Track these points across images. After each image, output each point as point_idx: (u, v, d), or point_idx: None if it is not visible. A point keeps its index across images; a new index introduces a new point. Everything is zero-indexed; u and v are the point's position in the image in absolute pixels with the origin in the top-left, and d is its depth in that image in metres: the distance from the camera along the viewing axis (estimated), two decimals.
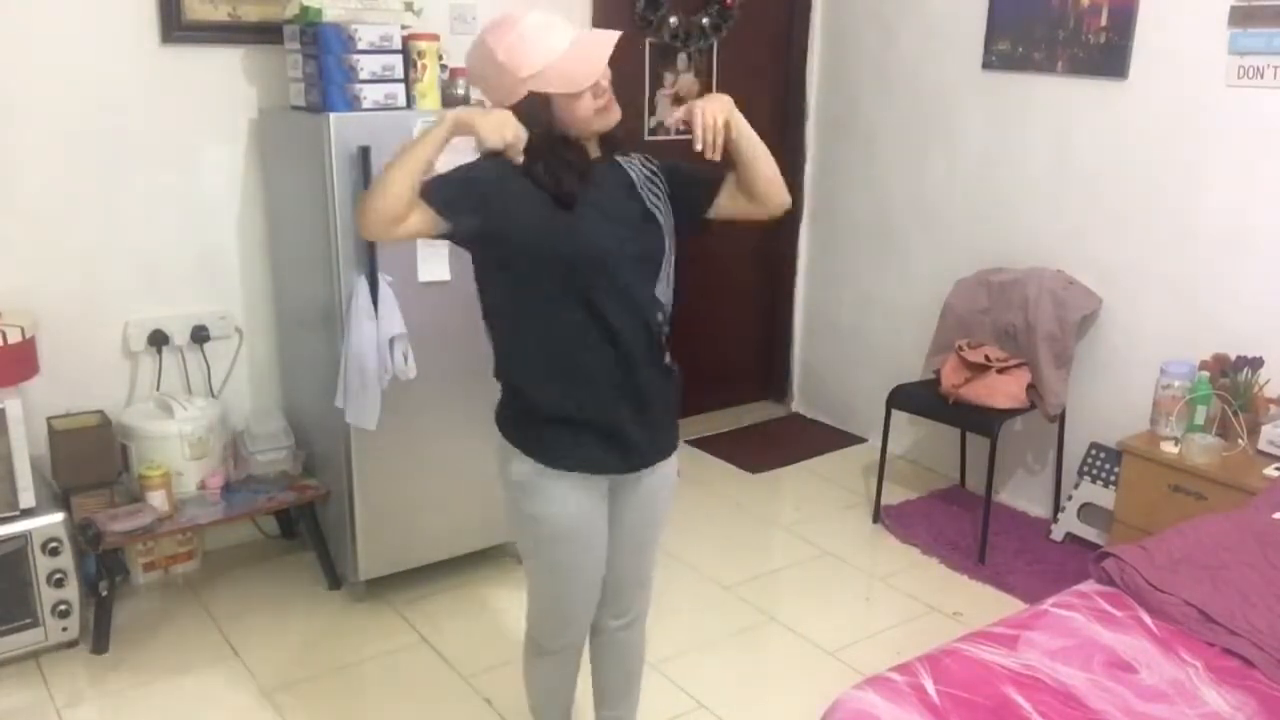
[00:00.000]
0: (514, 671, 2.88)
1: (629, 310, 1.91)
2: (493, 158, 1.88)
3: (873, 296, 4.45)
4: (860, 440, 4.54)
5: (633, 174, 1.99)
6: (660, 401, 2.00)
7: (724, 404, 4.84)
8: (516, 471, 1.98)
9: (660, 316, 1.97)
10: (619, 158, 2.00)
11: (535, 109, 1.87)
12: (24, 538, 2.76)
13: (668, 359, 2.02)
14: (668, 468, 2.10)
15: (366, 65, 2.87)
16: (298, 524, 3.47)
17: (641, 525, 2.12)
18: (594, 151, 1.94)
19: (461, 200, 1.84)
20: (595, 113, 1.89)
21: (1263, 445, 3.06)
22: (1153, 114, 3.37)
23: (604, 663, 2.32)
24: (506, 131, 1.81)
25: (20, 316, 2.84)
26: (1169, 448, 3.13)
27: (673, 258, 1.99)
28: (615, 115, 1.92)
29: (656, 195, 1.98)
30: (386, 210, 1.78)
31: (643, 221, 1.95)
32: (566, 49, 1.85)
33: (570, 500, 1.97)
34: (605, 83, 1.88)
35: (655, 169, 2.03)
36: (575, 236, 1.86)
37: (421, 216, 1.81)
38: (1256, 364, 3.13)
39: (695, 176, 2.04)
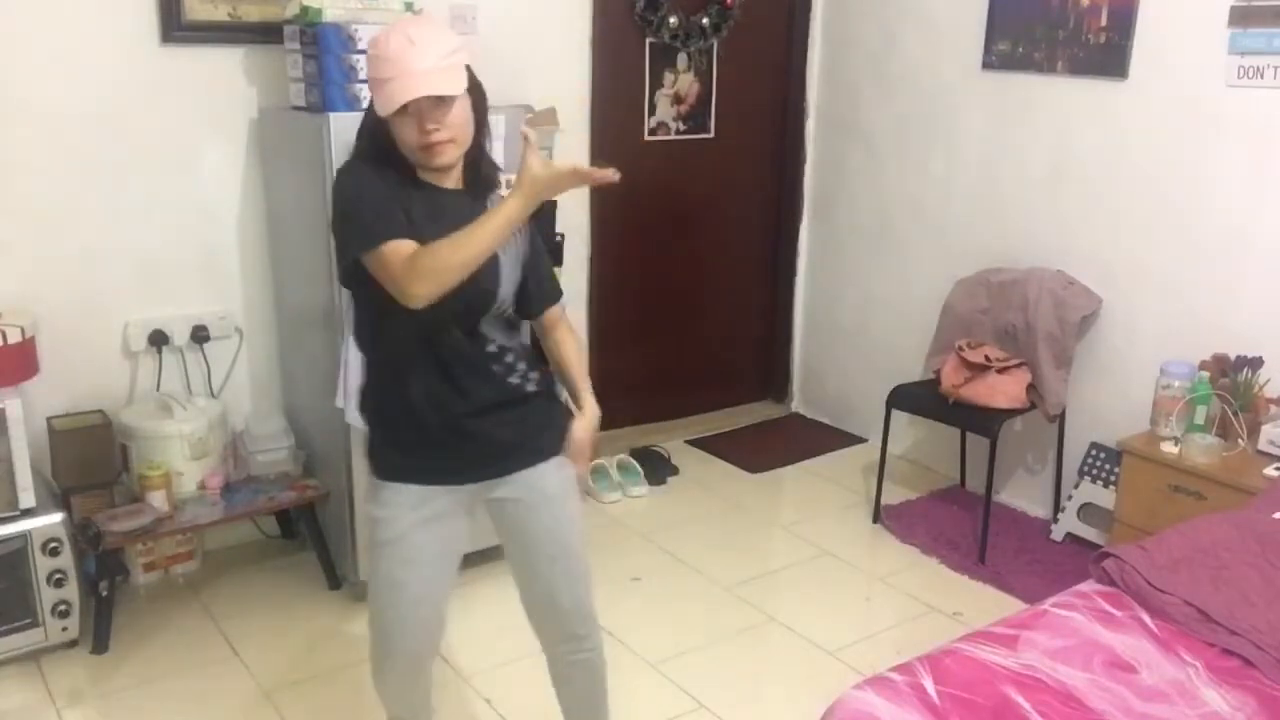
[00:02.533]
0: (514, 671, 2.89)
1: (453, 336, 1.90)
2: (356, 169, 1.89)
3: (873, 296, 4.45)
4: (860, 440, 4.54)
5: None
6: (491, 419, 1.95)
7: (724, 404, 4.84)
8: (368, 477, 2.03)
9: (493, 348, 1.95)
10: (491, 196, 1.95)
11: (369, 114, 1.88)
12: (24, 538, 2.76)
13: (516, 379, 1.98)
14: (539, 480, 2.02)
15: (366, 65, 2.86)
16: (298, 524, 3.47)
17: (535, 544, 2.06)
18: (451, 183, 1.91)
19: (401, 224, 1.82)
20: (419, 147, 1.82)
21: (1263, 445, 3.06)
22: (1153, 114, 3.37)
23: (561, 692, 2.26)
24: (564, 181, 1.77)
25: (20, 316, 2.84)
26: (1169, 448, 3.13)
27: (508, 302, 1.95)
28: (441, 160, 1.84)
29: (512, 242, 1.92)
30: (450, 285, 1.76)
31: (490, 263, 1.84)
32: (394, 70, 1.78)
33: (394, 507, 1.97)
34: (433, 124, 1.79)
35: (525, 226, 1.95)
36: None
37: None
38: (1256, 364, 3.13)
39: (539, 286, 2.02)
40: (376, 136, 1.88)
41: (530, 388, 2.00)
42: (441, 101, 1.80)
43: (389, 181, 1.86)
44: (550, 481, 2.04)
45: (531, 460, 2.01)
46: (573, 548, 2.09)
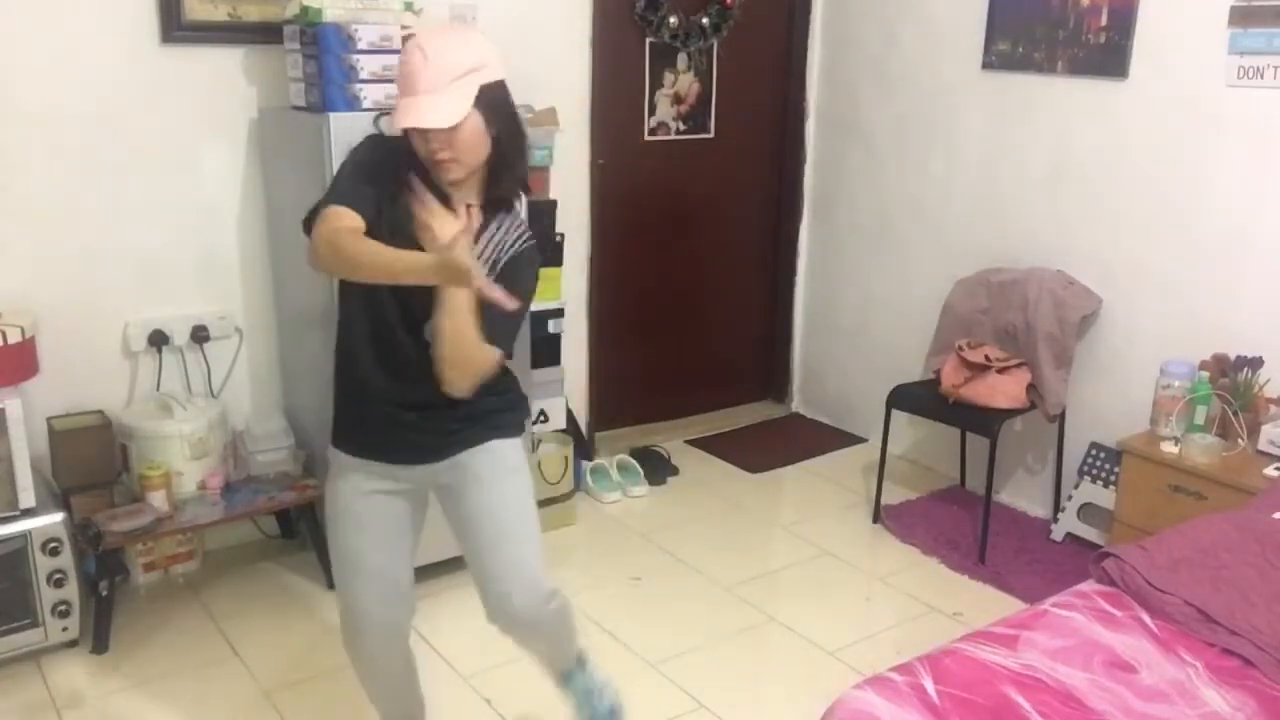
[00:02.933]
0: (514, 671, 2.89)
1: (400, 332, 1.93)
2: (376, 144, 1.95)
3: (873, 296, 4.45)
4: (860, 440, 4.54)
5: (493, 229, 1.94)
6: (426, 419, 1.99)
7: (724, 404, 4.84)
8: (329, 454, 2.11)
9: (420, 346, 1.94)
10: (499, 216, 1.95)
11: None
12: (24, 538, 2.76)
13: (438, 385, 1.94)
14: (464, 462, 2.03)
15: (366, 65, 2.87)
16: (298, 524, 3.47)
17: (468, 528, 2.07)
18: (465, 196, 1.90)
19: (370, 204, 1.86)
20: (427, 162, 1.86)
21: (1263, 445, 3.06)
22: (1153, 114, 3.37)
23: (528, 646, 2.27)
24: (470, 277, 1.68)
25: (20, 316, 2.84)
26: (1169, 448, 3.13)
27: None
28: (447, 177, 1.87)
29: (488, 255, 1.92)
30: (339, 273, 1.85)
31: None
32: (403, 86, 1.84)
33: (343, 479, 2.06)
34: (437, 145, 1.82)
35: (514, 244, 1.94)
36: (379, 232, 1.86)
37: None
38: (1256, 364, 3.13)
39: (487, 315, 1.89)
40: (405, 141, 1.90)
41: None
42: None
43: (391, 169, 1.88)
44: (478, 463, 2.04)
45: (459, 447, 2.03)
46: (508, 530, 2.06)
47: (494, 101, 1.87)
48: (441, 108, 1.80)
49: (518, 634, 2.18)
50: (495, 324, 1.83)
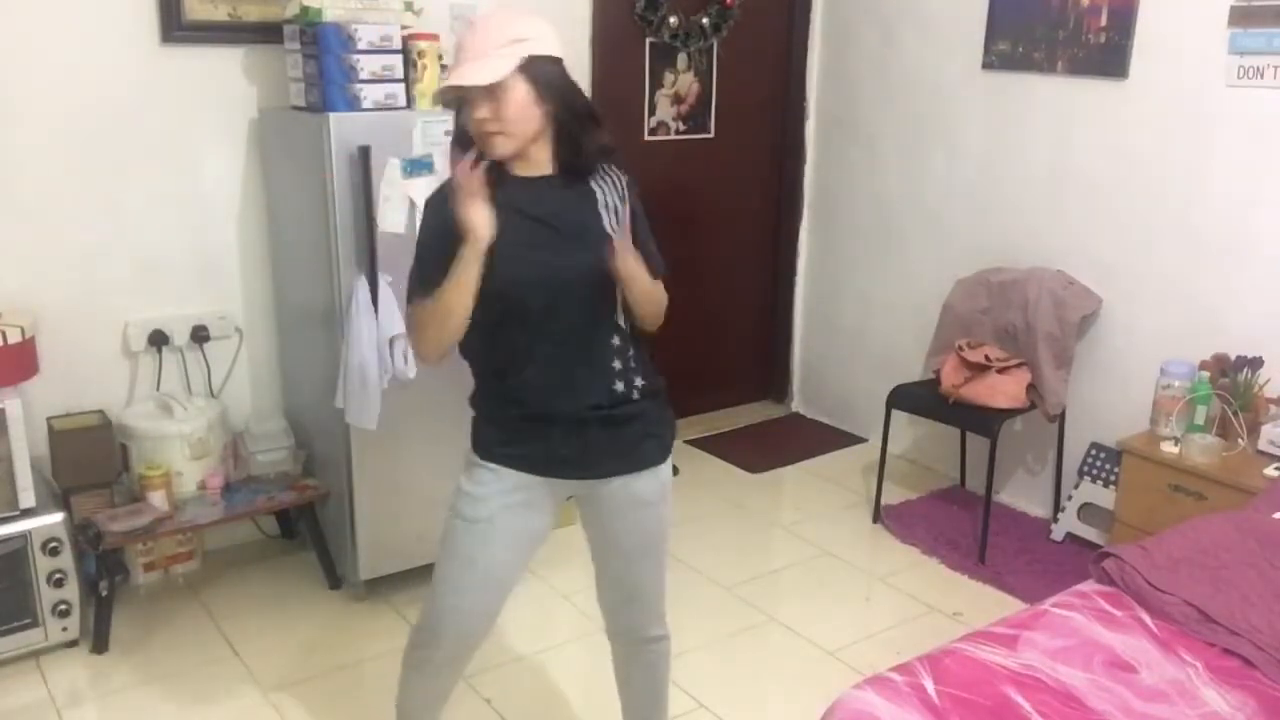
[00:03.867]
0: (514, 671, 2.89)
1: (561, 332, 1.89)
2: (437, 196, 1.93)
3: (873, 296, 4.45)
4: (860, 440, 4.54)
5: (599, 194, 1.93)
6: (598, 423, 1.95)
7: (724, 404, 4.84)
8: (467, 456, 2.05)
9: (615, 339, 1.94)
10: (595, 174, 1.94)
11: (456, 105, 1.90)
12: (24, 538, 2.76)
13: (622, 386, 1.95)
14: (635, 486, 2.01)
15: (366, 65, 2.87)
16: (298, 524, 3.47)
17: (618, 544, 2.07)
18: (536, 169, 1.89)
19: (442, 270, 1.85)
20: (479, 134, 1.84)
21: (1263, 445, 3.06)
22: (1153, 114, 3.37)
23: (622, 685, 2.28)
24: (468, 207, 1.80)
25: (20, 316, 2.84)
26: (1169, 448, 3.13)
27: (597, 277, 1.90)
28: (494, 150, 1.84)
29: (617, 218, 1.91)
30: (448, 344, 1.89)
31: (596, 238, 1.88)
32: (457, 49, 1.83)
33: (487, 486, 1.98)
34: (481, 114, 1.80)
35: (624, 196, 1.95)
36: (506, 253, 1.84)
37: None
38: (1256, 364, 3.13)
39: (641, 251, 1.94)
40: (464, 136, 1.89)
41: (635, 393, 1.97)
42: (490, 92, 1.79)
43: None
44: (644, 488, 2.03)
45: (629, 468, 2.01)
46: (653, 553, 2.10)
47: (546, 76, 1.83)
48: (481, 69, 1.79)
49: (630, 648, 2.21)
50: (648, 259, 1.92)
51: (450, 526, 2.03)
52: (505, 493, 1.98)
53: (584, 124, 1.89)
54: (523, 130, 1.84)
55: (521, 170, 1.89)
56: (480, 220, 1.79)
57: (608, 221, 1.90)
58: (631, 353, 1.97)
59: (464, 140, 1.89)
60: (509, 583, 2.07)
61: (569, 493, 2.05)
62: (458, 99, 1.85)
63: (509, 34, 1.81)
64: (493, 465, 1.99)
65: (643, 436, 2.01)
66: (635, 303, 1.91)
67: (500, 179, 1.87)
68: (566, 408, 1.93)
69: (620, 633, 2.21)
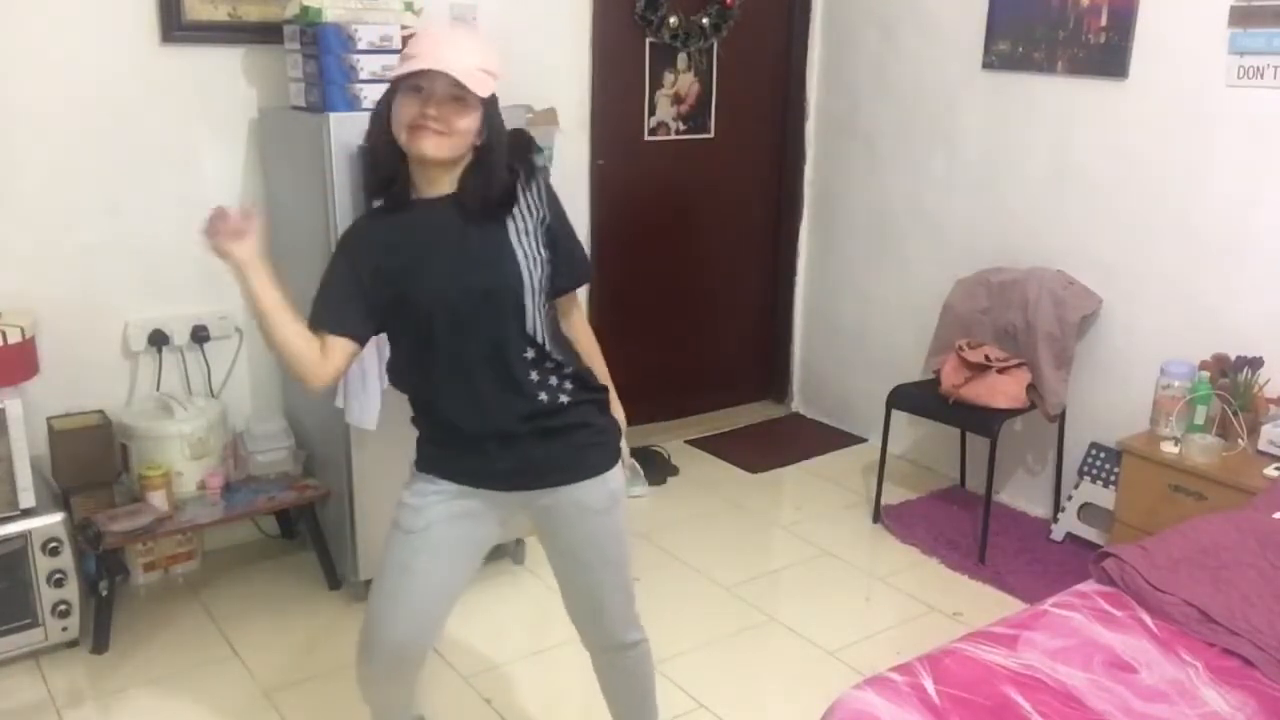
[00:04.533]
0: (514, 671, 2.89)
1: (479, 346, 1.89)
2: (348, 237, 1.98)
3: (873, 296, 4.45)
4: (860, 440, 4.54)
5: (524, 212, 1.94)
6: (529, 436, 1.94)
7: (724, 404, 4.84)
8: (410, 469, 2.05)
9: (529, 353, 1.92)
10: (500, 219, 1.93)
11: (382, 98, 1.89)
12: (24, 538, 2.76)
13: (546, 397, 1.94)
14: (580, 495, 1.99)
15: (366, 65, 2.87)
16: (298, 524, 3.47)
17: (571, 554, 2.05)
18: (441, 188, 1.89)
19: (345, 305, 1.90)
20: (408, 125, 1.80)
21: (1263, 445, 3.06)
22: (1153, 114, 3.37)
23: (606, 692, 2.27)
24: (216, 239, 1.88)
25: (20, 316, 2.84)
26: (1169, 448, 3.13)
27: (541, 292, 1.92)
28: (424, 146, 1.81)
29: (529, 226, 1.93)
30: (306, 373, 1.90)
31: (499, 257, 1.89)
32: (421, 48, 1.81)
33: (425, 497, 1.98)
34: (438, 111, 1.79)
35: (540, 200, 1.96)
36: (411, 277, 1.87)
37: (340, 346, 1.91)
38: (1256, 364, 3.13)
39: (565, 256, 1.99)
40: (376, 152, 1.90)
41: (563, 399, 1.96)
42: (457, 101, 1.80)
43: (374, 229, 1.92)
44: (593, 496, 2.01)
45: (575, 477, 1.99)
46: (612, 559, 2.08)
47: (495, 114, 1.89)
48: (469, 73, 1.79)
49: (606, 656, 2.19)
50: (573, 265, 2.00)
51: (389, 538, 2.02)
52: (444, 502, 1.98)
53: (499, 159, 1.90)
54: (459, 147, 1.85)
55: (425, 191, 1.90)
56: (235, 249, 1.88)
57: (515, 236, 1.91)
58: (551, 364, 1.95)
59: (374, 183, 1.93)
60: (447, 592, 2.04)
61: (513, 504, 2.04)
62: (407, 84, 1.82)
63: (491, 62, 1.84)
64: (431, 476, 1.99)
65: (583, 445, 2.00)
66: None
67: (399, 203, 1.90)
68: (485, 426, 1.93)
69: (595, 644, 2.18)
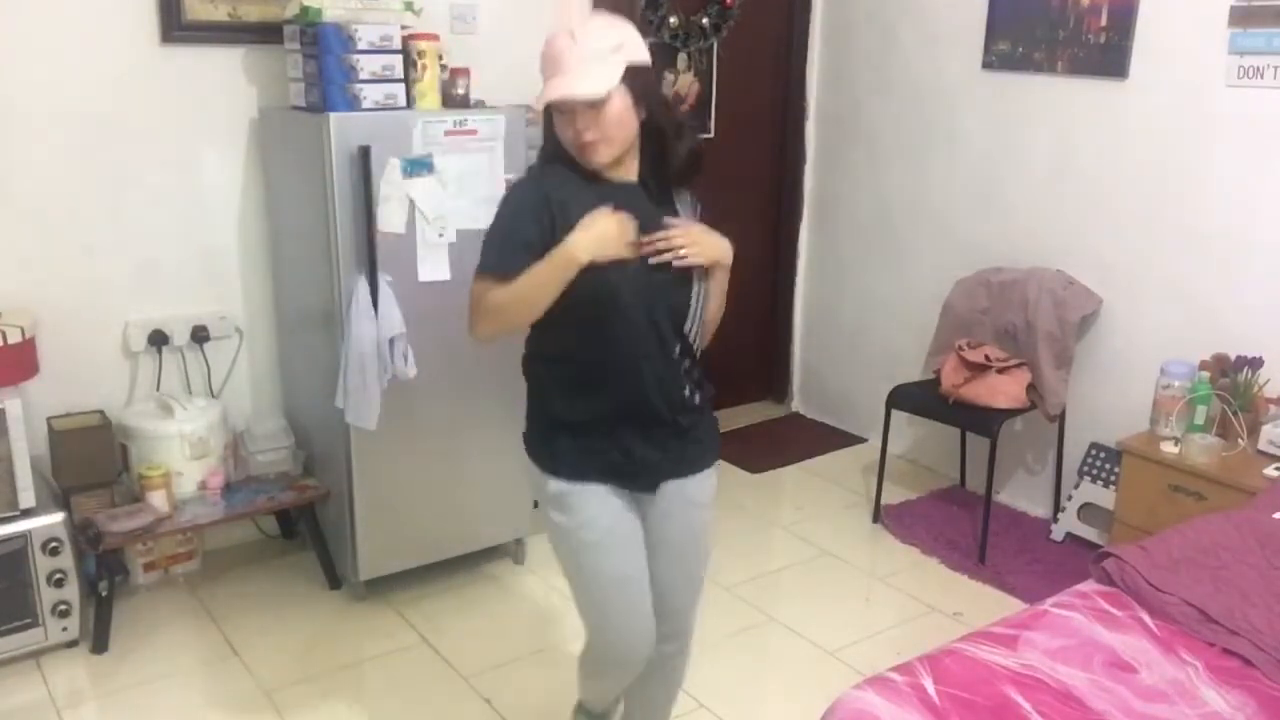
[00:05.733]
0: (514, 671, 2.89)
1: (651, 331, 1.91)
2: (522, 184, 1.95)
3: (873, 296, 4.45)
4: (860, 440, 4.54)
5: (681, 210, 1.99)
6: (670, 428, 1.98)
7: (724, 404, 4.77)
8: (547, 487, 2.01)
9: (677, 349, 1.95)
10: (680, 196, 1.97)
11: (545, 118, 1.91)
12: (24, 538, 2.76)
13: (689, 391, 2.00)
14: (689, 488, 2.05)
15: (366, 65, 2.87)
16: (298, 524, 3.47)
17: (667, 543, 2.08)
18: (623, 175, 1.91)
19: (522, 255, 1.84)
20: (574, 146, 1.85)
21: (1263, 445, 3.06)
22: (1153, 114, 3.37)
23: (640, 685, 2.25)
24: (608, 247, 1.81)
25: (20, 316, 2.84)
26: (1169, 448, 3.13)
27: (702, 295, 1.96)
28: (594, 160, 1.85)
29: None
30: (511, 329, 1.90)
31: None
32: (551, 68, 1.82)
33: (591, 508, 1.98)
34: (583, 125, 1.81)
35: (697, 215, 2.02)
36: (594, 263, 1.84)
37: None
38: (1256, 364, 3.13)
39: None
40: (553, 144, 1.91)
41: (698, 398, 2.02)
42: (591, 103, 1.80)
43: (556, 184, 1.89)
44: (696, 490, 2.07)
45: (686, 471, 2.04)
46: (698, 554, 2.13)
47: (643, 83, 1.86)
48: (590, 79, 1.79)
49: (665, 661, 2.20)
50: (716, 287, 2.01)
51: (579, 558, 2.02)
52: (606, 502, 1.99)
53: (676, 131, 1.92)
54: (622, 137, 1.85)
55: (614, 175, 1.91)
56: (607, 252, 1.82)
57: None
58: (692, 362, 2.00)
59: (552, 150, 1.91)
60: (646, 578, 2.08)
61: (642, 495, 2.07)
62: (549, 109, 1.85)
63: (609, 42, 1.83)
64: (576, 483, 1.98)
65: (699, 442, 2.06)
66: (713, 302, 2.00)
67: (582, 179, 1.89)
68: (646, 409, 1.94)
69: (659, 634, 2.15)
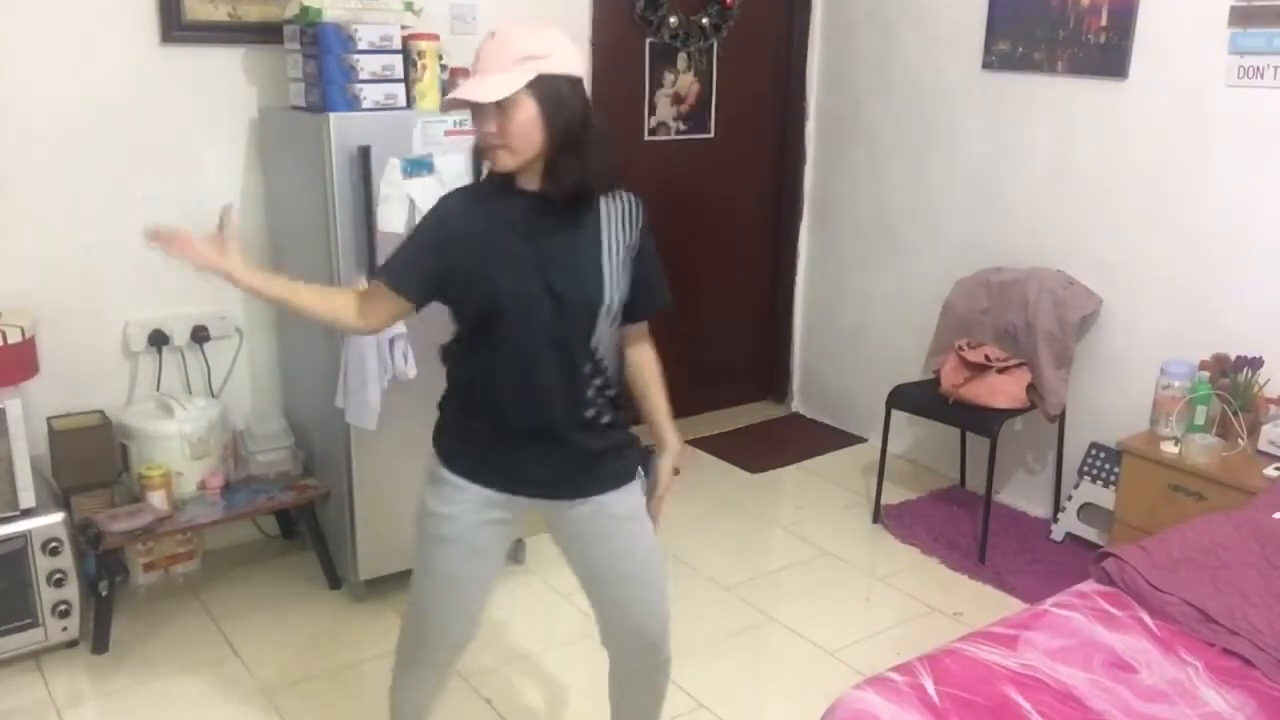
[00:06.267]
0: (514, 671, 2.89)
1: (545, 345, 1.88)
2: (445, 203, 1.96)
3: (873, 296, 4.45)
4: (860, 440, 4.54)
5: (605, 215, 1.92)
6: (572, 450, 1.95)
7: (724, 404, 4.84)
8: (428, 468, 2.04)
9: (587, 366, 1.91)
10: (605, 196, 1.92)
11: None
12: (24, 538, 2.76)
13: (593, 412, 1.94)
14: (608, 504, 2.00)
15: (366, 65, 2.87)
16: (298, 524, 3.47)
17: (601, 565, 2.05)
18: (532, 184, 1.87)
19: (410, 265, 1.91)
20: (484, 146, 1.85)
21: (1263, 445, 3.06)
22: (1153, 114, 3.37)
23: (615, 699, 2.24)
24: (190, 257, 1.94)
25: (20, 316, 2.84)
26: (1169, 448, 3.13)
27: (615, 312, 1.91)
28: (494, 163, 1.84)
29: (619, 245, 1.92)
30: (346, 327, 2.01)
31: (585, 266, 1.88)
32: (472, 66, 1.84)
33: (458, 504, 1.97)
34: (485, 126, 1.81)
35: (634, 223, 1.94)
36: (492, 259, 1.85)
37: (390, 301, 1.92)
38: (1256, 364, 3.13)
39: (648, 287, 1.99)
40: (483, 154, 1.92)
41: (607, 418, 1.97)
42: (497, 107, 1.79)
43: (471, 195, 1.94)
44: (620, 505, 2.02)
45: (600, 488, 2.00)
46: (646, 566, 2.07)
47: (556, 94, 1.80)
48: (488, 84, 1.78)
49: (630, 666, 2.17)
50: (652, 292, 2.00)
51: (423, 545, 2.03)
52: (475, 510, 1.97)
53: (587, 148, 1.85)
54: (526, 147, 1.82)
55: (525, 184, 1.89)
56: (217, 263, 1.94)
57: (607, 245, 1.89)
58: (603, 381, 1.95)
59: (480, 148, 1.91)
60: (489, 589, 2.08)
61: (538, 513, 2.04)
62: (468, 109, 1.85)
63: (524, 50, 1.79)
64: (461, 480, 1.97)
65: (612, 458, 2.01)
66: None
67: (502, 190, 1.88)
68: (537, 422, 1.92)
69: (629, 661, 2.15)
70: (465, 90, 1.80)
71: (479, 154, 1.90)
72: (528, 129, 1.80)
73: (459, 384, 2.01)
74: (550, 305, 1.86)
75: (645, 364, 2.09)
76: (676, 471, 2.13)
